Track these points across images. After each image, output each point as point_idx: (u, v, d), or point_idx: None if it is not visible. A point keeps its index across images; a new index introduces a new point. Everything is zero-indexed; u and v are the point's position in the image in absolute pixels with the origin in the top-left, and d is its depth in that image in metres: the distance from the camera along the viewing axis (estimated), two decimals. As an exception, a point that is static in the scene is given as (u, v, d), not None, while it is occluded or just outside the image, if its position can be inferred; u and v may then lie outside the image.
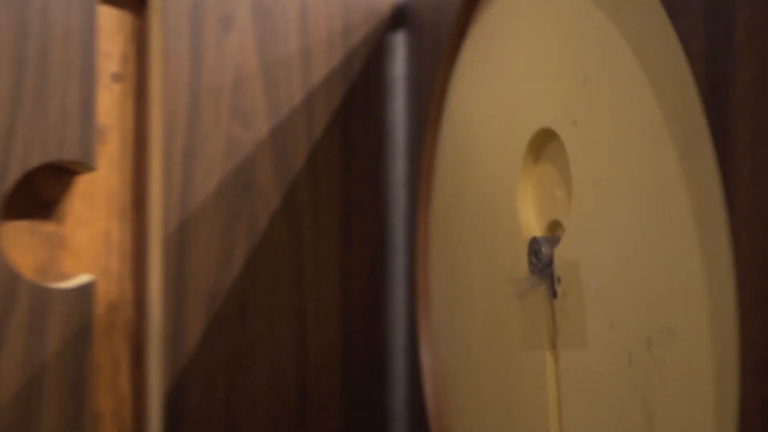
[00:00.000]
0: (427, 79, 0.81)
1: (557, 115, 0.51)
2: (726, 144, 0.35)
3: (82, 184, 0.77)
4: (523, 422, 0.56)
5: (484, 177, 0.64)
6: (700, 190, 0.37)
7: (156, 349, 0.79)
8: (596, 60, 0.46)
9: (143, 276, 0.80)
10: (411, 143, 0.88)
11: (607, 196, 0.45)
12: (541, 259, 0.52)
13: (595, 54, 0.46)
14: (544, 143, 0.55)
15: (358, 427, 0.89)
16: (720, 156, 0.35)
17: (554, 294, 0.51)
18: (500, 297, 0.60)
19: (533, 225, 0.57)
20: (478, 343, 0.65)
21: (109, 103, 0.79)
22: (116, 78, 0.80)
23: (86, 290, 0.74)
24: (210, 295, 0.83)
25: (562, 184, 0.53)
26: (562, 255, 0.50)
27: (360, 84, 0.91)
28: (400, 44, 0.91)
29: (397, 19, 0.92)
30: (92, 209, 0.78)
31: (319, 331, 0.87)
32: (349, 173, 0.89)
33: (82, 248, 0.77)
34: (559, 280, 0.51)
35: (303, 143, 0.87)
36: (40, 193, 0.75)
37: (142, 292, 0.80)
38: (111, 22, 0.79)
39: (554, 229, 0.55)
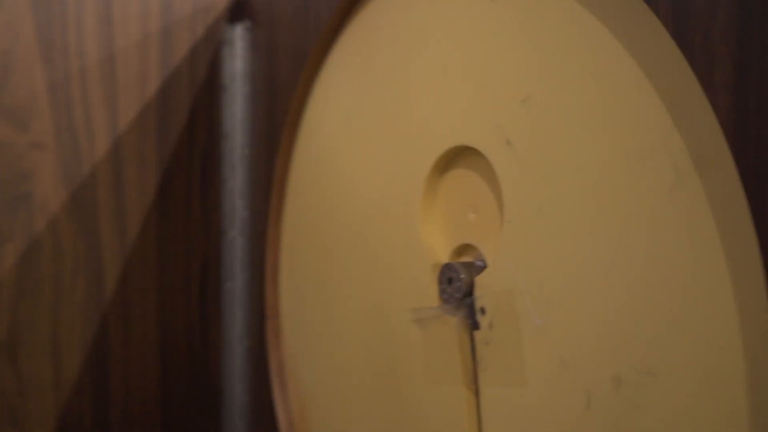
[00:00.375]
0: (280, 80, 0.73)
1: (484, 134, 0.47)
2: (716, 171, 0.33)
3: None
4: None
5: (370, 193, 0.58)
6: (671, 212, 0.35)
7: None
8: (541, 76, 0.42)
9: None
10: (254, 148, 0.80)
11: (555, 221, 0.41)
12: (458, 288, 0.48)
13: (539, 69, 0.43)
14: (453, 159, 0.51)
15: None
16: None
17: (475, 325, 0.47)
18: (392, 325, 0.55)
19: (438, 248, 0.52)
20: (359, 374, 0.59)
21: None
22: None
23: None
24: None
25: (477, 205, 0.49)
26: (487, 283, 0.46)
27: (185, 80, 0.80)
28: (238, 39, 0.82)
29: (236, 12, 0.83)
30: None
31: (128, 360, 0.75)
32: (170, 179, 0.78)
33: None
34: (482, 310, 0.47)
35: (103, 144, 0.74)
36: None
37: None
38: None
39: (461, 254, 0.51)
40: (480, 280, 0.47)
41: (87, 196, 0.73)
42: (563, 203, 0.41)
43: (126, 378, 0.75)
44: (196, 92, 0.80)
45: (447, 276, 0.49)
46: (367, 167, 0.59)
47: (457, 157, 0.50)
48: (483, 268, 0.48)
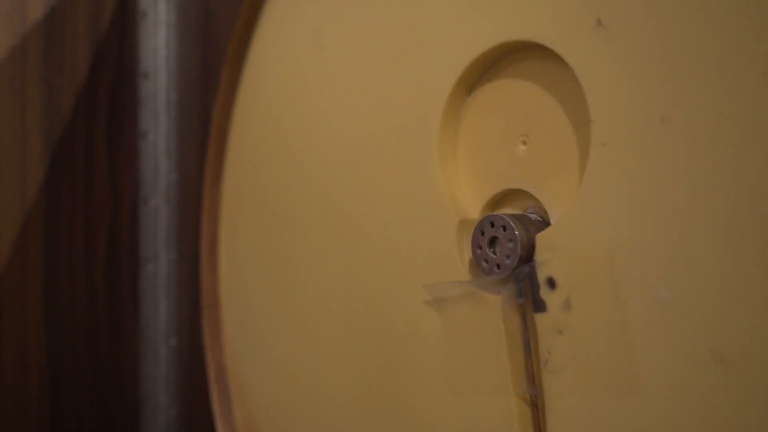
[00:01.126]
0: (218, 9, 0.56)
1: (552, 15, 0.31)
2: None
3: None
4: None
5: (354, 133, 0.42)
6: None
7: None
8: None
9: None
10: (183, 92, 0.62)
11: (689, 136, 0.26)
12: (510, 250, 0.32)
13: None
14: (490, 69, 0.35)
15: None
16: None
17: (538, 306, 0.32)
18: (391, 313, 0.39)
19: (466, 198, 0.36)
20: (338, 381, 0.43)
21: None
22: None
23: None
24: None
25: (530, 131, 0.34)
26: (557, 243, 0.31)
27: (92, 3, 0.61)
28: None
29: None
30: None
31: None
32: (62, 124, 0.59)
33: None
34: (551, 282, 0.31)
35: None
36: None
37: None
38: None
39: (502, 205, 0.35)
40: (545, 239, 0.31)
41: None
42: (704, 106, 0.26)
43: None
44: (99, 16, 0.61)
45: (488, 235, 0.33)
46: (350, 96, 0.42)
47: (497, 64, 0.35)
48: (542, 223, 0.33)
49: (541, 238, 0.32)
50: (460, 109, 0.37)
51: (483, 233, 0.33)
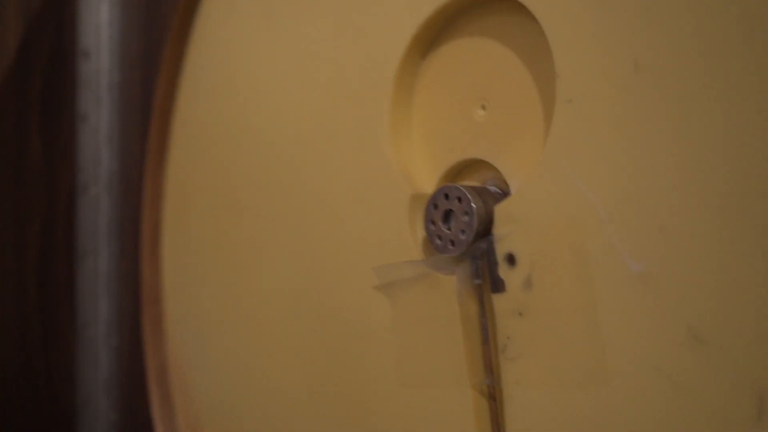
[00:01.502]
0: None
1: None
2: None
3: None
4: None
5: (304, 106, 0.38)
6: None
7: None
8: None
9: None
10: (126, 73, 0.58)
11: (668, 84, 0.23)
12: (466, 224, 0.29)
13: None
14: (447, 27, 0.32)
15: None
16: None
17: (496, 286, 0.28)
18: (341, 301, 0.35)
19: (420, 171, 0.33)
20: (287, 379, 0.39)
21: None
22: None
23: None
24: None
25: (489, 95, 0.30)
26: (518, 214, 0.28)
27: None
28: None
29: None
30: None
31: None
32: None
33: None
34: (510, 259, 0.28)
35: None
36: None
37: None
38: None
39: (460, 177, 0.32)
40: (505, 210, 0.28)
41: None
42: (684, 49, 0.23)
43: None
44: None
45: (442, 208, 0.30)
46: (297, 67, 0.39)
47: (455, 22, 0.32)
48: (502, 195, 0.30)
49: (500, 210, 0.28)
50: (414, 74, 0.33)
51: (437, 206, 0.30)
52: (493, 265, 0.28)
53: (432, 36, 0.32)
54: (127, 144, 0.58)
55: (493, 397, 0.29)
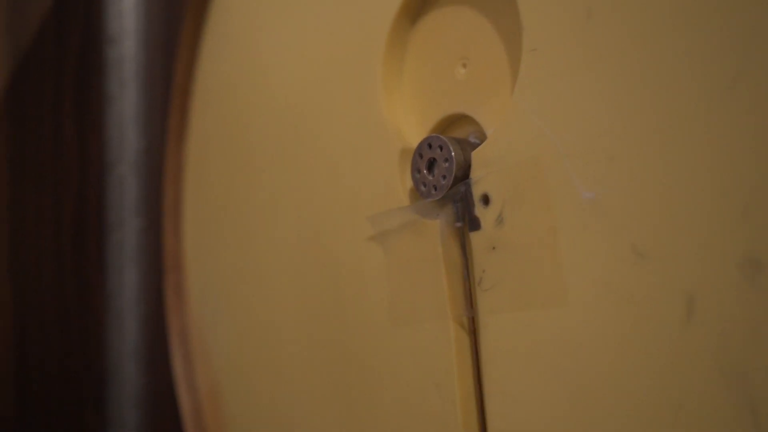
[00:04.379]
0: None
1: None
2: None
3: None
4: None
5: (305, 75, 0.41)
6: None
7: None
8: None
9: None
10: (150, 58, 0.62)
11: (616, 26, 0.26)
12: (446, 170, 0.31)
13: None
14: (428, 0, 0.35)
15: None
16: None
17: (474, 225, 0.31)
18: (339, 253, 0.38)
19: (409, 126, 0.36)
20: (295, 332, 0.42)
21: None
22: None
23: None
24: None
25: (469, 54, 0.33)
26: (492, 158, 0.30)
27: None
28: None
29: None
30: None
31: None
32: (28, 86, 0.58)
33: None
34: (485, 199, 0.30)
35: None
36: None
37: None
38: None
39: (446, 131, 0.35)
40: (480, 156, 0.31)
41: None
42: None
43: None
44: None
45: (426, 157, 0.33)
46: (299, 39, 0.42)
47: (438, -12, 0.34)
48: (480, 144, 0.32)
49: (477, 156, 0.31)
50: (404, 39, 0.36)
51: (422, 156, 0.33)
52: (470, 206, 0.31)
53: (419, 4, 0.35)
54: (153, 126, 0.62)
55: (470, 330, 0.31)
